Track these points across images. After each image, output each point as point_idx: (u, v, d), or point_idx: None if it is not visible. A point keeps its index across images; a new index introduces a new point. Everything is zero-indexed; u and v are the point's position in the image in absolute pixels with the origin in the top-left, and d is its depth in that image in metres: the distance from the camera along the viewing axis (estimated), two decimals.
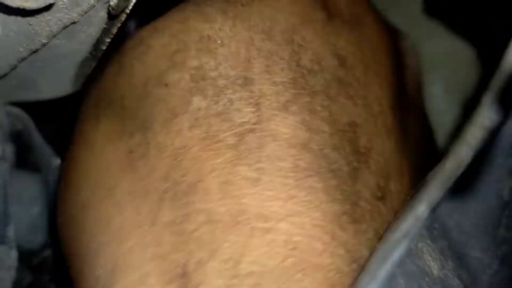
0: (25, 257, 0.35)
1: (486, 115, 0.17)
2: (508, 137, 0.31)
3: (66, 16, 0.25)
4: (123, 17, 0.26)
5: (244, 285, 0.21)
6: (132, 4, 0.26)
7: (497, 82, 0.17)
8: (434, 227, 0.31)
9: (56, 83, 0.33)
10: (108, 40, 0.29)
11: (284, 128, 0.24)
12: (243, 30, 0.26)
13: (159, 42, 0.27)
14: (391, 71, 0.29)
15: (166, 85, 0.25)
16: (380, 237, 0.24)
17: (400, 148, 0.28)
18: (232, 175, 0.23)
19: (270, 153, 0.23)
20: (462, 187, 0.32)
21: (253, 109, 0.24)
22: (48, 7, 0.23)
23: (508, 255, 0.35)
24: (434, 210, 0.28)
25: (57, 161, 0.38)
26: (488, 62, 0.49)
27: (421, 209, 0.19)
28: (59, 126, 0.46)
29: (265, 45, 0.26)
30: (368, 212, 0.24)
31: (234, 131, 0.24)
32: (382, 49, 0.30)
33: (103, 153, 0.26)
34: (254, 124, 0.24)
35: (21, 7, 0.22)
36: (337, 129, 0.25)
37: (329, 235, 0.22)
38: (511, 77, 0.17)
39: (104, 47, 0.30)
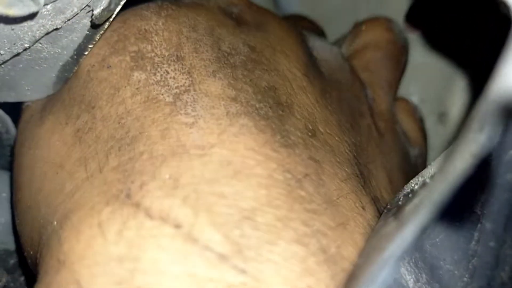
0: (1, 258, 0.35)
1: (474, 140, 0.18)
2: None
3: (49, 23, 0.25)
4: (106, 25, 0.27)
5: (184, 192, 0.24)
6: (115, 13, 0.26)
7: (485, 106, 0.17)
8: None
9: (38, 85, 0.32)
10: (91, 46, 0.29)
11: (214, 88, 0.28)
12: (173, 24, 0.31)
13: (101, 37, 0.30)
14: (299, 52, 0.35)
15: (109, 67, 0.29)
16: (316, 166, 0.27)
17: (322, 104, 0.33)
18: (170, 123, 0.26)
19: (204, 104, 0.27)
20: None
21: (186, 76, 0.28)
22: (31, 16, 0.23)
23: (478, 268, 0.36)
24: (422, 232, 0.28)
25: None
26: (467, 74, 0.50)
27: (409, 231, 0.19)
28: None
29: (192, 35, 0.31)
30: (301, 143, 0.28)
31: (171, 92, 0.27)
32: (288, 40, 0.35)
33: (49, 144, 0.29)
34: (188, 86, 0.28)
35: (4, 15, 0.22)
36: (259, 90, 0.29)
37: (262, 155, 0.26)
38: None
39: (86, 53, 0.30)
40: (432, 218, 0.19)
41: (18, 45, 0.27)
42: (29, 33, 0.26)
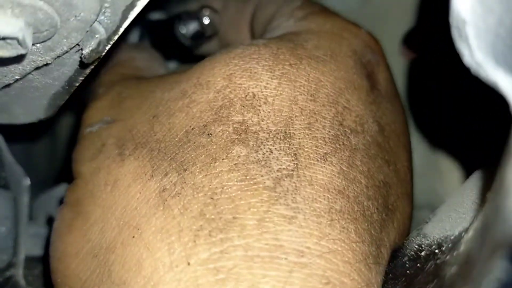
0: None
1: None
2: None
3: (40, 59, 0.25)
4: (95, 62, 0.27)
5: None
6: (103, 53, 0.26)
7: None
8: None
9: (29, 110, 0.33)
10: (81, 78, 0.29)
11: (321, 176, 0.25)
12: (288, 90, 0.27)
13: (204, 98, 0.27)
14: (409, 146, 0.32)
15: (209, 135, 0.26)
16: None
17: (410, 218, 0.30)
18: (268, 213, 0.23)
19: (306, 196, 0.24)
20: None
21: (291, 158, 0.25)
22: (20, 57, 0.23)
23: None
24: None
25: (26, 181, 0.38)
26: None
27: None
28: (30, 147, 0.46)
29: (309, 105, 0.27)
30: (385, 259, 0.26)
31: (271, 176, 0.24)
32: (405, 125, 0.32)
33: (129, 191, 0.26)
34: (292, 170, 0.25)
35: None
36: (373, 184, 0.27)
37: (356, 272, 0.23)
38: None
39: (77, 84, 0.30)
40: None
41: (9, 77, 0.27)
42: (20, 67, 0.26)
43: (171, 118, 0.27)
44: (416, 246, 0.27)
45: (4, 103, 0.32)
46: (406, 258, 0.27)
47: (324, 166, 0.25)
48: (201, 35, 0.41)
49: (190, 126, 0.27)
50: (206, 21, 0.41)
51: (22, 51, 0.22)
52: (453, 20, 0.17)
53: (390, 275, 0.26)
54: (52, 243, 0.30)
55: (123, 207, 0.26)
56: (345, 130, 0.27)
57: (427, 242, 0.27)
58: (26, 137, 0.40)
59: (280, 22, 0.34)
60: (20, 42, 0.21)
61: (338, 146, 0.26)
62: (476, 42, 0.17)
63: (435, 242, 0.26)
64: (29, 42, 0.22)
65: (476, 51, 0.17)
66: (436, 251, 0.26)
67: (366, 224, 0.25)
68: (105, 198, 0.27)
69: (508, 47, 0.18)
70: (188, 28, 0.41)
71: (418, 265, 0.26)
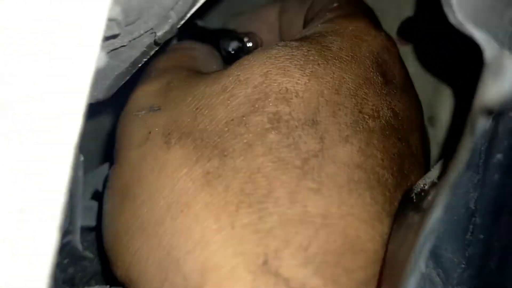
0: None
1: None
2: (474, 153, 0.37)
3: (118, 41, 0.30)
4: (162, 43, 0.31)
5: (314, 263, 0.26)
6: (175, 33, 0.30)
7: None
8: None
9: (92, 91, 0.37)
10: (144, 59, 0.33)
11: (342, 154, 0.30)
12: (316, 85, 0.31)
13: (243, 92, 0.31)
14: (421, 127, 0.37)
15: (246, 124, 0.30)
16: None
17: None
18: (297, 187, 0.28)
19: (329, 171, 0.29)
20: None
21: (318, 141, 0.30)
22: (114, 36, 0.27)
23: (473, 256, 0.41)
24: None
25: (81, 157, 0.42)
26: (453, 83, 0.55)
27: (434, 217, 0.24)
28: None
29: (333, 97, 0.31)
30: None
31: (300, 157, 0.29)
32: (418, 111, 0.38)
33: (176, 175, 0.30)
34: (318, 151, 0.29)
35: None
36: (388, 157, 0.31)
37: (370, 227, 0.29)
38: None
39: (140, 65, 0.34)
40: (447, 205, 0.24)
41: None
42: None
43: (213, 111, 0.31)
44: (417, 188, 0.33)
45: None
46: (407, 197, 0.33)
47: (345, 146, 0.30)
48: (242, 52, 0.46)
49: (230, 118, 0.31)
50: (249, 44, 0.46)
51: (117, 32, 0.26)
52: None
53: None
54: (104, 226, 0.34)
55: (170, 188, 0.30)
56: (364, 116, 0.32)
57: (423, 182, 0.32)
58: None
59: (316, 22, 0.39)
60: (118, 24, 0.25)
61: (357, 129, 0.31)
62: (457, 7, 0.23)
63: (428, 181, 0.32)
64: (123, 24, 0.26)
65: (458, 13, 0.23)
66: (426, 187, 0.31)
67: (380, 188, 0.30)
68: (152, 181, 0.31)
69: (486, 7, 0.25)
70: (231, 46, 0.45)
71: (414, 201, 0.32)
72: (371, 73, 0.34)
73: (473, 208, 0.40)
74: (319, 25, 0.38)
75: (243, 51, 0.45)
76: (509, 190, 0.43)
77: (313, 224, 0.27)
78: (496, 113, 0.39)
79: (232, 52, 0.46)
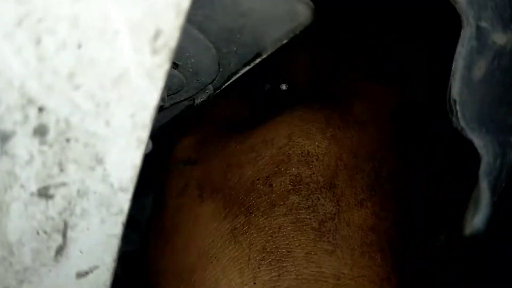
0: None
1: None
2: None
3: (161, 103, 0.34)
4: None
5: None
6: (210, 101, 0.34)
7: None
8: None
9: None
10: (184, 117, 0.38)
11: (357, 217, 0.31)
12: (336, 148, 0.33)
13: (268, 153, 0.34)
14: None
15: (270, 185, 0.32)
16: None
17: None
18: (314, 248, 0.30)
19: (344, 234, 0.31)
20: None
21: (334, 204, 0.31)
22: (160, 109, 0.31)
23: None
24: None
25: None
26: None
27: None
28: None
29: (351, 161, 0.33)
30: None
31: (317, 219, 0.31)
32: None
33: (207, 227, 0.33)
34: (334, 214, 0.31)
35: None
36: (402, 218, 0.33)
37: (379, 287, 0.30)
38: None
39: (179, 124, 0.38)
40: None
41: None
42: None
43: (241, 169, 0.34)
44: None
45: None
46: None
47: (360, 210, 0.32)
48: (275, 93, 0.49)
49: (256, 177, 0.33)
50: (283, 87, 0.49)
51: (161, 103, 0.31)
52: (448, 100, 0.25)
53: None
54: (146, 263, 0.38)
55: (202, 239, 0.33)
56: (380, 179, 0.33)
57: None
58: None
59: (341, 78, 0.41)
60: (162, 99, 0.30)
61: (373, 193, 0.32)
62: (461, 115, 0.25)
63: None
64: (166, 99, 0.30)
65: (461, 120, 0.25)
66: None
67: (391, 250, 0.32)
68: (187, 230, 0.34)
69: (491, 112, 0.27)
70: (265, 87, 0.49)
71: None
72: (389, 138, 0.36)
73: None
74: (342, 81, 0.40)
75: (276, 92, 0.48)
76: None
77: (326, 284, 0.30)
78: None
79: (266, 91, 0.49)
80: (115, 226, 0.24)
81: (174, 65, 0.30)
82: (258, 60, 0.31)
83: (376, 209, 0.32)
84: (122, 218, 0.24)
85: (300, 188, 0.32)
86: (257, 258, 0.31)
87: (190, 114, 0.37)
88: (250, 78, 0.51)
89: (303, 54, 0.50)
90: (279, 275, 0.30)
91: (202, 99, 0.33)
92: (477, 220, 0.22)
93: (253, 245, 0.31)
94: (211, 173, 0.36)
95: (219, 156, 0.36)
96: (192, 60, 0.29)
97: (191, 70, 0.30)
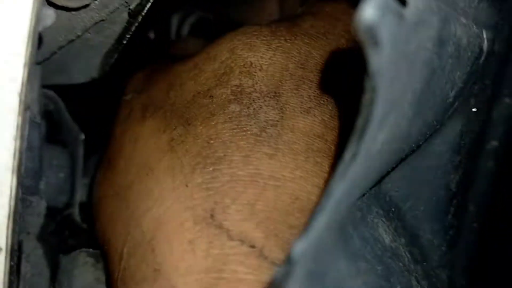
0: (50, 214, 0.42)
1: None
2: (455, 135, 0.37)
3: (97, 15, 0.32)
4: (139, 18, 0.34)
5: (258, 218, 0.28)
6: (146, 8, 0.33)
7: None
8: (391, 210, 0.37)
9: (85, 70, 0.40)
10: (128, 36, 0.36)
11: (302, 124, 0.30)
12: (281, 59, 0.32)
13: (210, 67, 0.33)
14: None
15: (211, 96, 0.32)
16: None
17: None
18: (252, 151, 0.29)
19: (286, 139, 0.30)
20: (417, 177, 0.38)
21: (278, 112, 0.31)
22: (84, 6, 0.30)
23: (455, 238, 0.41)
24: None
25: (82, 136, 0.45)
26: None
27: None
28: (85, 107, 0.53)
29: (298, 71, 0.32)
30: None
31: (258, 125, 0.30)
32: None
33: (147, 143, 0.33)
34: (277, 121, 0.30)
35: (64, 5, 0.29)
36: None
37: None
38: None
39: (124, 41, 0.37)
40: None
41: (73, 33, 0.34)
42: (81, 23, 0.33)
43: (183, 86, 0.34)
44: None
45: (64, 64, 0.39)
46: None
47: (307, 117, 0.31)
48: None
49: (197, 91, 0.33)
50: None
51: (86, 2, 0.29)
52: None
53: None
54: (92, 193, 0.38)
55: (141, 155, 0.32)
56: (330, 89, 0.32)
57: None
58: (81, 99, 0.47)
59: (301, 8, 0.40)
60: None
61: (321, 102, 0.31)
62: None
63: None
64: None
65: None
66: None
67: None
68: (129, 151, 0.34)
69: None
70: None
71: None
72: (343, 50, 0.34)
73: (454, 190, 0.40)
74: (300, 8, 0.39)
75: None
76: (507, 178, 0.43)
77: (263, 185, 0.28)
78: (489, 99, 0.40)
79: None
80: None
81: None
82: None
83: (325, 117, 0.31)
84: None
85: (241, 97, 0.31)
86: (192, 163, 0.30)
87: (132, 29, 0.35)
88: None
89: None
90: (213, 177, 0.29)
91: (136, 3, 0.31)
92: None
93: (189, 152, 0.30)
94: (154, 95, 0.35)
95: (164, 79, 0.36)
96: None
97: None
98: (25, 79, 0.23)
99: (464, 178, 0.41)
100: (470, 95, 0.37)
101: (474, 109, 0.39)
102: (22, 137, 0.24)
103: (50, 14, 0.24)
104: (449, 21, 0.26)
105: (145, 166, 0.32)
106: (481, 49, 0.31)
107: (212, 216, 0.28)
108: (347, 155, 0.20)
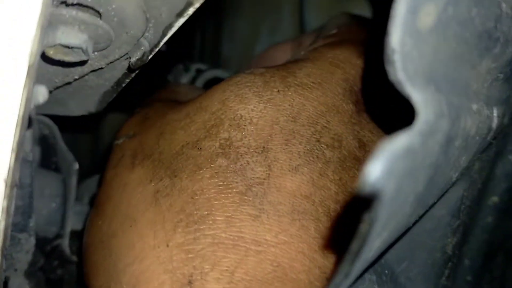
0: (40, 244, 0.41)
1: None
2: (456, 200, 0.36)
3: (96, 63, 0.31)
4: (139, 69, 0.33)
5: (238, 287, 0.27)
6: (147, 61, 0.32)
7: None
8: (383, 272, 0.37)
9: (82, 105, 0.39)
10: (127, 80, 0.35)
11: (290, 183, 0.29)
12: (272, 112, 0.31)
13: (201, 118, 0.32)
14: None
15: (199, 148, 0.31)
16: None
17: None
18: (236, 212, 0.28)
19: (272, 199, 0.29)
20: (413, 239, 0.37)
21: (265, 169, 0.30)
22: (82, 62, 0.29)
23: None
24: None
25: (76, 165, 0.44)
26: None
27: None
28: (80, 137, 0.52)
29: (289, 125, 0.31)
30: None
31: (244, 183, 0.29)
32: None
33: (133, 192, 0.32)
34: (264, 179, 0.29)
35: (61, 60, 0.28)
36: (344, 190, 0.30)
37: (309, 260, 0.28)
38: None
39: (124, 85, 0.36)
40: None
41: (70, 76, 0.33)
42: (79, 70, 0.32)
43: (173, 135, 0.33)
44: None
45: (63, 98, 0.38)
46: None
47: (295, 176, 0.30)
48: None
49: (186, 141, 0.32)
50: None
51: (84, 58, 0.28)
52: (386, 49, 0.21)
53: None
54: (83, 236, 0.37)
55: (127, 204, 0.32)
56: (321, 146, 0.31)
57: None
58: (72, 133, 0.46)
59: (304, 50, 0.38)
60: (83, 51, 0.27)
61: (311, 159, 0.30)
62: (401, 64, 0.21)
63: None
64: (90, 51, 0.28)
65: (399, 72, 0.21)
66: None
67: (327, 223, 0.29)
68: (116, 198, 0.33)
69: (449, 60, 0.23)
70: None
71: None
72: (340, 101, 0.33)
73: (450, 253, 0.39)
74: (302, 52, 0.38)
75: None
76: (505, 233, 0.42)
77: (245, 250, 0.27)
78: (494, 155, 0.39)
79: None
80: None
81: (97, 12, 0.27)
82: (190, 10, 0.28)
83: (314, 176, 0.30)
84: None
85: (229, 152, 0.30)
86: (174, 220, 0.29)
87: (132, 75, 0.34)
88: None
89: None
90: (194, 238, 0.28)
91: (137, 57, 0.30)
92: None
93: (172, 207, 0.29)
94: (145, 142, 0.34)
95: (155, 126, 0.35)
96: (114, 6, 0.26)
97: (115, 19, 0.27)
98: (12, 164, 0.21)
99: (461, 238, 0.40)
100: (475, 160, 0.36)
101: (476, 172, 0.38)
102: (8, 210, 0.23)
103: (42, 91, 0.23)
104: (459, 117, 0.25)
105: (130, 217, 0.31)
106: (490, 129, 0.30)
107: (190, 282, 0.27)
108: (339, 276, 0.20)
